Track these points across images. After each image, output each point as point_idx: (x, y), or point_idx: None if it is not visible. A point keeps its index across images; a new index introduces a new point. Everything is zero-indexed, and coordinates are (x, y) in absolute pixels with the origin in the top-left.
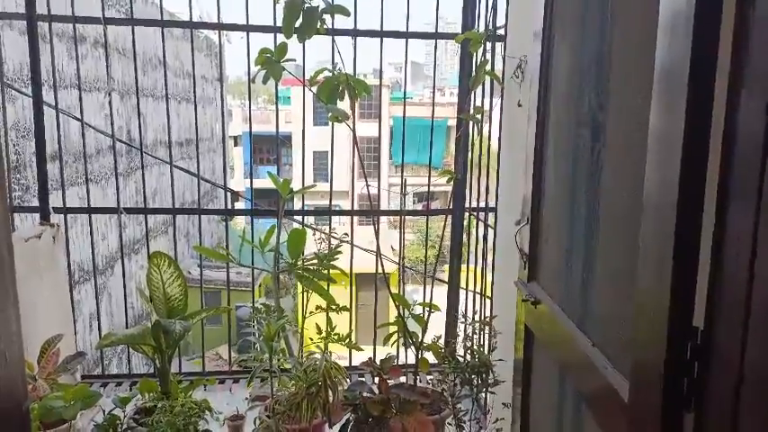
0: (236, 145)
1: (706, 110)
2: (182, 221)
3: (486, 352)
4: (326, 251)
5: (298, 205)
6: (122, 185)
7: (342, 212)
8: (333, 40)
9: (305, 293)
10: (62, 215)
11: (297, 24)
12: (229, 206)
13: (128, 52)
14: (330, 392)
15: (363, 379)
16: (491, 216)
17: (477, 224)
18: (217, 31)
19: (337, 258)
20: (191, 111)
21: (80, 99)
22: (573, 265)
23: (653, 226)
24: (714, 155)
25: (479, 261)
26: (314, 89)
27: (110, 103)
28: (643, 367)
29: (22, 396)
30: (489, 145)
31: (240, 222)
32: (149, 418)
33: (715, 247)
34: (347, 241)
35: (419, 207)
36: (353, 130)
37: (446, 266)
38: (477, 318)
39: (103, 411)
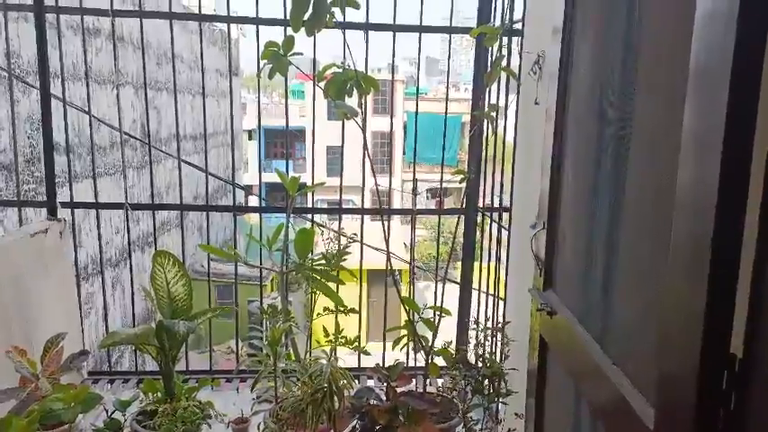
0: (250, 139)
1: (750, 105)
2: (195, 215)
3: (498, 360)
4: (335, 250)
5: (311, 200)
6: (136, 179)
7: (352, 210)
8: (344, 34)
9: (313, 293)
10: (69, 210)
11: (305, 17)
12: (242, 201)
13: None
14: (336, 399)
15: (371, 384)
16: (506, 216)
17: (490, 224)
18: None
19: (345, 259)
20: (206, 104)
21: (87, 92)
22: (593, 275)
23: (685, 237)
24: (759, 155)
25: (493, 262)
26: (322, 85)
27: (117, 96)
28: (672, 395)
29: None
30: (504, 143)
31: (254, 217)
32: (152, 421)
33: (758, 263)
34: (357, 240)
35: (432, 203)
36: (362, 128)
37: (459, 264)
38: (489, 322)
39: (107, 412)
